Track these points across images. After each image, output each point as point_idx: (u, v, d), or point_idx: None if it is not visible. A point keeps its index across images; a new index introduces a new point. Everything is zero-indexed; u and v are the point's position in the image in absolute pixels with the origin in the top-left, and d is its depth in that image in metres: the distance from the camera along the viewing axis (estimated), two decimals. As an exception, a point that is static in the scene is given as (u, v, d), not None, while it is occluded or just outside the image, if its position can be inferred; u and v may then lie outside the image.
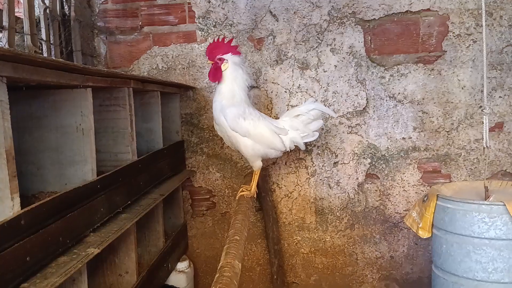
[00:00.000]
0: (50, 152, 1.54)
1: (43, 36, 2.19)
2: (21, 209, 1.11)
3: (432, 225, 2.00)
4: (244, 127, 2.04)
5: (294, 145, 2.21)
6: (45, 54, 2.19)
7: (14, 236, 1.08)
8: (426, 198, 2.06)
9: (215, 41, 2.12)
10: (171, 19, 2.67)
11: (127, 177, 1.79)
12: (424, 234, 2.00)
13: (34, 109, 1.53)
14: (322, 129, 2.27)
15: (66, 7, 2.42)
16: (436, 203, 1.98)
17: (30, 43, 1.98)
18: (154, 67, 2.70)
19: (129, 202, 1.81)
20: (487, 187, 2.03)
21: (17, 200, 1.10)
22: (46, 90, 1.51)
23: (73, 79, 1.39)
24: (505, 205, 1.77)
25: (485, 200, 1.97)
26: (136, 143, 1.91)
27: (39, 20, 2.18)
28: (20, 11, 2.02)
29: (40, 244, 1.19)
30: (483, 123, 2.04)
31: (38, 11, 2.17)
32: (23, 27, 2.00)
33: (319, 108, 2.20)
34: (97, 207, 1.52)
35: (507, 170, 2.55)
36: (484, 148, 2.03)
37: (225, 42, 2.11)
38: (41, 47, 2.17)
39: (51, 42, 2.25)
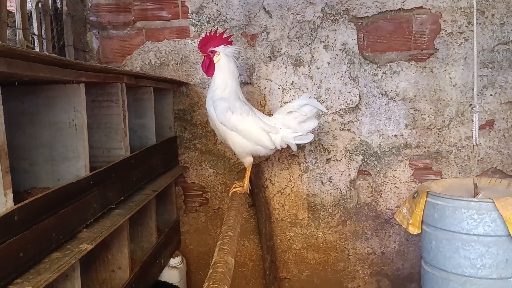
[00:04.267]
0: (43, 148, 1.53)
1: (35, 30, 2.17)
2: (14, 205, 1.11)
3: (422, 221, 2.02)
4: (232, 121, 2.04)
5: (286, 144, 2.17)
6: (37, 49, 2.17)
7: (7, 232, 1.08)
8: (416, 194, 2.08)
9: (208, 34, 2.15)
10: (164, 14, 2.66)
11: (120, 173, 1.79)
12: (414, 230, 2.03)
13: (27, 105, 1.53)
14: (315, 128, 2.24)
15: (58, 1, 2.41)
16: (426, 200, 2.00)
17: (22, 37, 1.97)
18: (147, 62, 2.69)
19: (122, 198, 1.81)
20: (476, 184, 2.06)
21: (10, 196, 1.10)
22: (39, 86, 1.50)
23: (67, 74, 1.39)
24: (493, 202, 1.80)
25: (474, 197, 2.00)
26: (129, 139, 1.90)
27: (31, 15, 2.16)
28: (12, 5, 2.01)
29: (33, 240, 1.19)
30: (473, 121, 2.06)
31: (30, 5, 2.15)
32: (15, 21, 1.99)
33: (311, 103, 2.13)
34: (90, 203, 1.52)
35: (497, 167, 2.58)
36: (473, 145, 2.05)
37: (217, 35, 2.14)
38: (33, 42, 2.15)
39: (43, 36, 2.23)
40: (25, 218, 1.15)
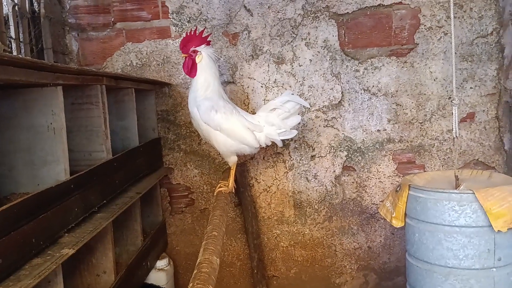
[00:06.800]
0: (22, 153, 1.52)
1: (12, 34, 2.14)
2: (-9, 211, 1.10)
3: (405, 214, 2.03)
4: (216, 120, 2.03)
5: (271, 141, 2.17)
6: (14, 53, 2.14)
7: (-15, 239, 1.06)
8: (399, 188, 2.10)
9: (188, 34, 2.13)
10: (144, 15, 2.65)
11: (102, 176, 1.77)
12: (397, 223, 2.04)
13: (5, 109, 1.50)
14: (299, 123, 2.27)
15: (35, 4, 2.37)
16: (408, 193, 2.01)
17: (-1, 41, 1.94)
18: (128, 63, 2.67)
19: (105, 201, 1.80)
20: (458, 176, 2.08)
21: (-13, 202, 1.09)
22: (16, 90, 1.48)
23: (43, 77, 1.37)
24: (474, 193, 1.82)
25: (456, 189, 2.02)
26: (111, 142, 1.89)
27: (8, 18, 2.13)
28: (-13, 9, 1.97)
29: (13, 246, 1.17)
30: (453, 114, 2.08)
31: (7, 9, 2.12)
32: (-9, 26, 1.96)
33: (293, 100, 2.14)
34: (71, 207, 1.50)
35: (479, 159, 2.62)
36: (454, 138, 2.08)
37: (197, 34, 2.12)
38: (10, 46, 2.12)
39: (21, 40, 2.20)
40: (3, 224, 1.13)
